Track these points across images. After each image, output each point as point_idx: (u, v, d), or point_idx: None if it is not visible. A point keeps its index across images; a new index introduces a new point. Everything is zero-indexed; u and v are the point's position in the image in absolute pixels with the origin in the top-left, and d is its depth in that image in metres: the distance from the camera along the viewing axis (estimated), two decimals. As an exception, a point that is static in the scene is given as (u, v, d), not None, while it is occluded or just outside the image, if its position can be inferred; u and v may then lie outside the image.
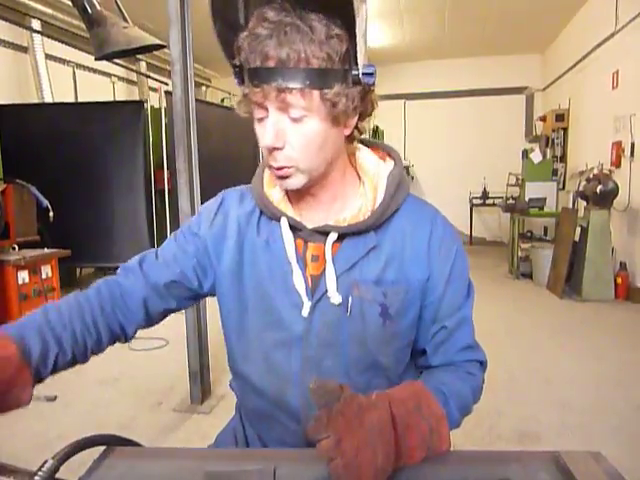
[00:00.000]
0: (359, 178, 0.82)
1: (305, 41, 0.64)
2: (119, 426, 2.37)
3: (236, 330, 0.85)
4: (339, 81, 0.67)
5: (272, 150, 0.71)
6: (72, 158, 4.44)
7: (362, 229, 0.77)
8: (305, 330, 0.79)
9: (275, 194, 0.81)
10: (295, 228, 0.79)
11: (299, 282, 0.77)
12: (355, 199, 0.80)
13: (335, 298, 0.77)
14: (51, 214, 3.36)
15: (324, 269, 0.77)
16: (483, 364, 0.83)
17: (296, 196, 0.81)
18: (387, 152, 0.85)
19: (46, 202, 3.33)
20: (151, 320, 0.86)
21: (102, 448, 0.69)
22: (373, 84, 0.72)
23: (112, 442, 0.70)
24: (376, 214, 0.77)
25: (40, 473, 0.58)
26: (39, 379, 0.69)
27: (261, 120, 0.71)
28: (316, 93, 0.67)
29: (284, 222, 0.79)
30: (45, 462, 0.60)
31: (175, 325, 3.54)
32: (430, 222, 0.81)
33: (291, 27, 0.64)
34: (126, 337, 0.84)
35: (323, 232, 0.78)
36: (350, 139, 0.79)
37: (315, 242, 0.79)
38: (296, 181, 0.74)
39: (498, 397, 2.63)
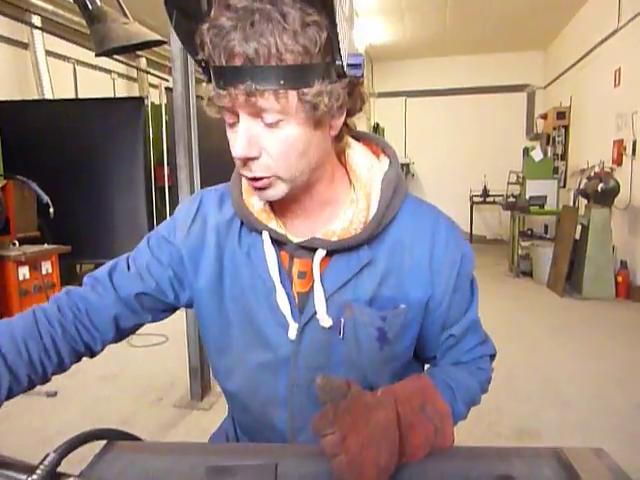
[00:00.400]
0: (351, 181, 0.73)
1: (277, 32, 0.54)
2: (119, 422, 2.38)
3: (218, 347, 0.79)
4: (319, 77, 0.58)
5: (246, 160, 0.62)
6: (72, 154, 4.44)
7: (354, 245, 0.69)
8: (293, 352, 0.72)
9: (255, 203, 0.73)
10: (279, 241, 0.72)
11: (283, 302, 0.70)
12: (346, 207, 0.71)
13: (325, 321, 0.70)
14: (51, 210, 3.36)
15: (312, 286, 0.70)
16: (493, 356, 0.81)
17: (279, 204, 0.71)
18: (381, 148, 0.76)
19: (46, 198, 3.33)
20: (121, 336, 0.79)
21: (103, 442, 0.68)
22: (361, 76, 0.63)
23: (113, 436, 0.70)
24: (370, 227, 0.69)
25: (42, 467, 0.58)
26: None
27: (232, 126, 0.63)
28: (292, 94, 0.57)
29: (266, 236, 0.71)
30: (47, 456, 0.60)
31: (175, 321, 3.54)
32: (432, 229, 0.73)
33: (260, 15, 0.54)
34: (92, 355, 0.78)
35: (309, 247, 0.70)
36: (338, 138, 0.69)
37: (302, 257, 0.71)
38: (276, 192, 0.65)
39: (497, 395, 2.63)
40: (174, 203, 4.50)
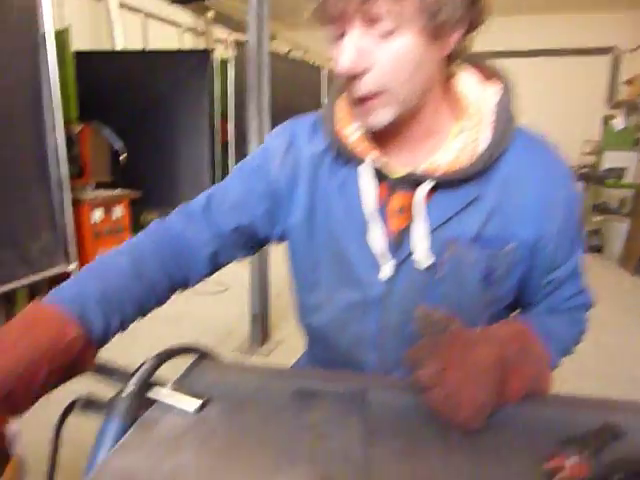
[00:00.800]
0: (459, 109, 0.66)
1: None
2: (183, 362, 2.49)
3: (307, 284, 0.77)
4: None
5: (352, 77, 0.57)
6: (141, 105, 4.55)
7: (461, 178, 0.63)
8: (385, 293, 0.69)
9: (353, 133, 0.68)
10: (377, 175, 0.67)
11: (378, 240, 0.67)
12: (453, 137, 0.65)
13: (424, 259, 0.65)
14: (123, 157, 3.48)
15: (411, 223, 0.66)
16: (589, 307, 0.76)
17: (380, 134, 0.66)
18: (494, 72, 0.68)
19: (119, 145, 3.45)
20: (215, 271, 0.77)
21: (185, 365, 0.70)
22: None
23: (201, 354, 0.72)
24: (480, 160, 0.63)
25: (138, 374, 0.60)
26: (100, 348, 0.64)
27: (339, 38, 0.58)
28: (411, 0, 0.53)
29: (363, 168, 0.66)
30: (142, 364, 0.62)
31: (235, 272, 3.63)
32: (545, 165, 0.66)
33: None
34: (186, 288, 0.76)
35: (412, 180, 0.65)
36: (450, 59, 0.63)
37: (401, 192, 0.66)
38: (383, 116, 0.60)
39: (564, 371, 2.53)
40: (238, 159, 4.56)
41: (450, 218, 0.65)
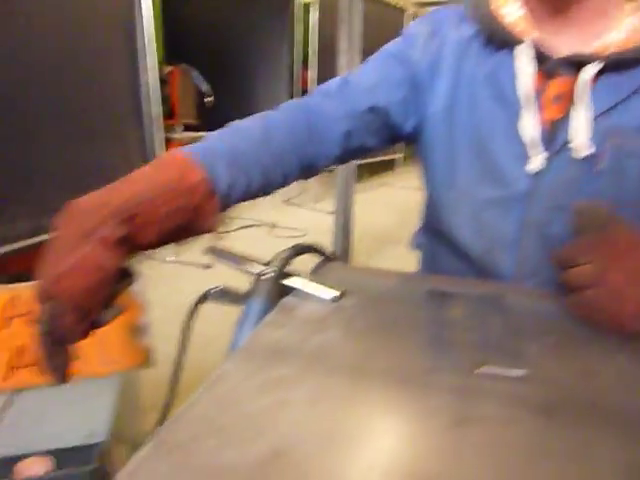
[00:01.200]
0: None
1: None
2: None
3: (443, 180, 0.74)
4: None
5: None
6: (220, 48, 4.59)
7: (635, 57, 0.59)
8: (531, 189, 0.65)
9: (510, 12, 0.65)
10: (535, 57, 0.63)
11: (531, 128, 0.63)
12: (623, 18, 0.61)
13: (583, 149, 0.61)
14: (210, 99, 3.55)
15: (567, 113, 0.62)
16: None
17: (542, 13, 0.63)
18: None
19: (207, 87, 3.51)
20: (343, 157, 0.74)
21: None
22: None
23: (328, 257, 0.73)
24: None
25: (276, 261, 0.62)
26: (223, 208, 0.62)
27: None
28: None
29: (522, 49, 0.63)
30: (279, 254, 0.64)
31: (315, 219, 3.67)
32: None
33: None
34: (314, 172, 0.73)
35: (575, 63, 0.61)
36: None
37: (561, 77, 0.63)
38: None
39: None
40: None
41: (615, 105, 0.61)
